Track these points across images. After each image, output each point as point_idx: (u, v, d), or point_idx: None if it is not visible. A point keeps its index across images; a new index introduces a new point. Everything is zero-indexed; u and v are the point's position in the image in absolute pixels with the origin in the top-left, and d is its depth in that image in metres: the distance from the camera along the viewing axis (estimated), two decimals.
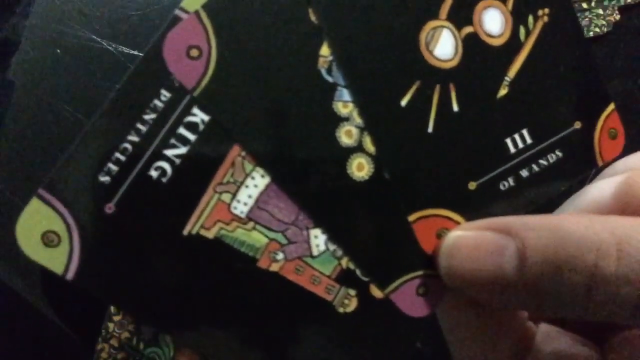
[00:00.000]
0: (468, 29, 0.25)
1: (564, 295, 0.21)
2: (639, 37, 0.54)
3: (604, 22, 0.52)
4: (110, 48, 0.51)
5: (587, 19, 0.51)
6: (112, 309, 0.52)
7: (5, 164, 0.52)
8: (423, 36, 0.24)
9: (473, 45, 0.25)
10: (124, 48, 0.51)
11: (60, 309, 0.54)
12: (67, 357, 0.56)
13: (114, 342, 0.53)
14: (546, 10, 0.27)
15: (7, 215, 0.52)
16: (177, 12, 0.21)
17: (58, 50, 0.52)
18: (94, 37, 0.52)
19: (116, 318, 0.53)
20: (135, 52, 0.51)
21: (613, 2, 0.53)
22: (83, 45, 0.52)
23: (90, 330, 0.53)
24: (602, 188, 0.25)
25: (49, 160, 0.51)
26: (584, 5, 0.52)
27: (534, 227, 0.22)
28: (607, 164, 0.28)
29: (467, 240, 0.24)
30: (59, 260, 0.21)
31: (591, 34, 0.51)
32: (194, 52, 0.21)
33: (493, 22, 0.26)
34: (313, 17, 0.23)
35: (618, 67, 0.54)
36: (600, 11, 0.52)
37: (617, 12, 0.52)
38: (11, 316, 0.55)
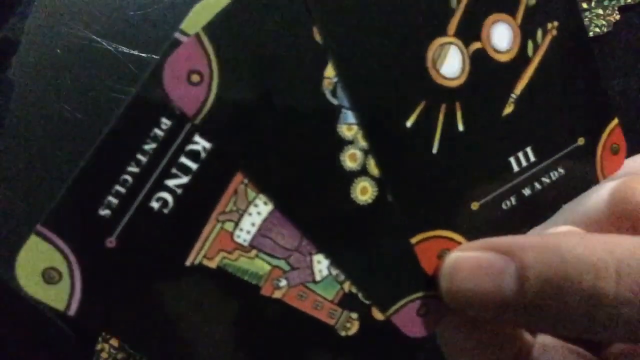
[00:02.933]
0: (476, 45, 0.25)
1: (563, 316, 0.21)
2: (639, 37, 0.54)
3: (604, 22, 0.52)
4: (110, 48, 0.51)
5: (587, 19, 0.51)
6: None
7: (5, 163, 0.52)
8: (430, 54, 0.24)
9: (480, 62, 0.25)
10: (124, 48, 0.51)
11: None
12: (67, 357, 0.56)
13: (114, 342, 0.53)
14: (555, 24, 0.26)
15: (7, 215, 0.52)
16: (177, 35, 0.21)
17: (58, 50, 0.52)
18: (94, 37, 0.51)
19: None
20: (135, 52, 0.51)
21: (613, 2, 0.52)
22: (83, 45, 0.51)
23: (91, 330, 0.53)
24: (597, 194, 0.26)
25: (49, 160, 0.51)
26: (584, 5, 0.52)
27: (533, 247, 0.22)
28: None
29: (467, 260, 0.24)
30: (60, 297, 0.21)
31: (591, 34, 0.51)
32: (195, 78, 0.21)
33: (501, 37, 0.25)
34: (317, 37, 0.22)
35: (618, 67, 0.53)
36: (600, 11, 0.52)
37: (617, 12, 0.52)
38: (11, 316, 0.55)
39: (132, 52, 0.51)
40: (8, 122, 0.52)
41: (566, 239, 0.22)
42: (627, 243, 0.21)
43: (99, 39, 0.51)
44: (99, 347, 0.53)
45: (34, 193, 0.50)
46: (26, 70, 0.52)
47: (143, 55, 0.49)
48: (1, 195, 0.52)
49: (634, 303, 0.20)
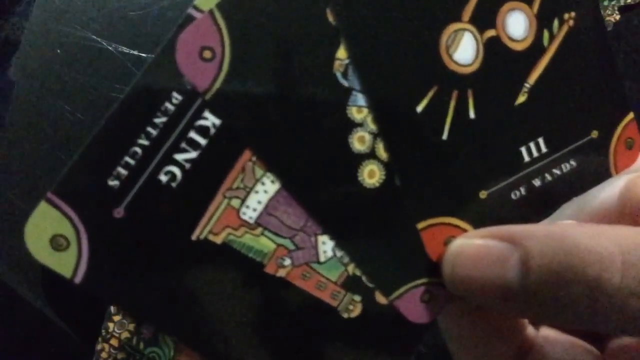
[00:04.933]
0: (490, 33, 0.25)
1: (567, 306, 0.21)
2: (639, 37, 0.54)
3: None
4: (110, 48, 0.51)
5: None
6: (112, 309, 0.52)
7: (5, 163, 0.52)
8: (444, 40, 0.24)
9: (494, 50, 0.25)
10: (124, 48, 0.51)
11: (60, 309, 0.54)
12: (67, 357, 0.56)
13: (114, 342, 0.53)
14: (572, 14, 0.26)
15: (7, 215, 0.52)
16: (191, 11, 0.21)
17: (58, 50, 0.52)
18: (94, 37, 0.51)
19: (116, 318, 0.53)
20: (135, 52, 0.51)
21: (613, 2, 0.53)
22: (83, 45, 0.51)
23: (90, 330, 0.53)
24: (609, 188, 0.26)
25: (49, 160, 0.51)
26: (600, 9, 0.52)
27: (538, 236, 0.21)
28: None
29: (471, 248, 0.23)
30: (67, 264, 0.21)
31: None
32: (207, 54, 0.21)
33: (517, 26, 0.25)
34: (331, 18, 0.22)
35: (618, 67, 0.54)
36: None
37: (617, 12, 0.52)
38: (11, 316, 0.55)
39: (132, 52, 0.51)
40: (8, 122, 0.52)
41: (572, 229, 0.21)
42: (634, 234, 0.21)
43: (99, 39, 0.51)
44: (99, 347, 0.53)
45: (34, 193, 0.51)
46: (26, 70, 0.52)
47: (143, 55, 0.49)
48: (1, 194, 0.52)
49: (639, 294, 0.20)
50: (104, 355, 0.53)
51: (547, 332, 0.28)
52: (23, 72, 0.52)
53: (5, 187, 0.52)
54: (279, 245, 0.23)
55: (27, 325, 0.55)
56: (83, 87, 0.51)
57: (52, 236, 0.20)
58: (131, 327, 0.53)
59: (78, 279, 0.21)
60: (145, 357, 0.53)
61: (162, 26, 0.50)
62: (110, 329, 0.53)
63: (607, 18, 0.52)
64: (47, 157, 0.52)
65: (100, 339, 0.53)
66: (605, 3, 0.52)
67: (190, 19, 0.21)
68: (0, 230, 0.51)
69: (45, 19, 0.52)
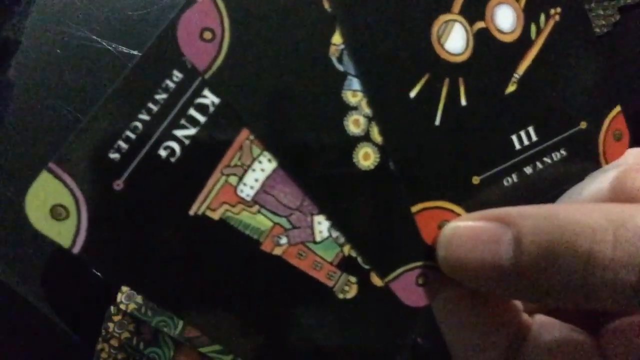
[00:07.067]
0: (480, 24, 0.25)
1: (560, 282, 0.21)
2: (639, 37, 0.54)
3: (604, 22, 0.53)
4: (110, 48, 0.52)
5: None
6: (112, 309, 0.52)
7: (5, 163, 0.52)
8: (435, 29, 0.25)
9: (484, 41, 0.26)
10: (124, 48, 0.52)
11: (60, 309, 0.54)
12: (67, 357, 0.56)
13: (114, 342, 0.53)
14: (558, 10, 0.27)
15: (6, 215, 0.52)
16: None
17: (58, 50, 0.52)
18: (94, 37, 0.52)
19: (116, 318, 0.53)
20: (135, 52, 0.52)
21: (613, 2, 0.53)
22: (83, 45, 0.52)
23: (90, 330, 0.53)
24: (599, 181, 0.26)
25: (49, 160, 0.51)
26: (584, 6, 0.52)
27: (529, 215, 0.22)
28: None
29: (465, 230, 0.24)
30: (66, 233, 0.21)
31: None
32: (207, 35, 0.22)
33: (505, 19, 0.26)
34: (327, 5, 0.23)
35: (618, 67, 0.54)
36: (600, 11, 0.53)
37: (617, 12, 0.53)
38: (11, 316, 0.55)
39: (132, 52, 0.52)
40: (8, 121, 0.52)
41: (563, 206, 0.22)
42: (625, 209, 0.21)
43: (99, 39, 0.52)
44: (99, 347, 0.53)
45: None
46: (26, 70, 0.52)
47: None
48: (0, 194, 0.52)
49: (631, 267, 0.20)
50: (104, 355, 0.53)
51: (542, 319, 0.28)
52: (23, 72, 0.52)
53: (4, 186, 0.52)
54: (275, 223, 0.23)
55: (27, 325, 0.55)
56: (83, 87, 0.52)
57: (52, 206, 0.21)
58: (131, 327, 0.53)
59: (76, 249, 0.21)
60: (145, 357, 0.53)
61: (162, 26, 0.51)
62: (111, 329, 0.53)
63: (607, 18, 0.53)
64: (47, 157, 0.52)
65: (100, 339, 0.53)
66: (605, 3, 0.53)
67: (192, 1, 0.22)
68: (1, 231, 0.51)
69: (45, 19, 0.52)
